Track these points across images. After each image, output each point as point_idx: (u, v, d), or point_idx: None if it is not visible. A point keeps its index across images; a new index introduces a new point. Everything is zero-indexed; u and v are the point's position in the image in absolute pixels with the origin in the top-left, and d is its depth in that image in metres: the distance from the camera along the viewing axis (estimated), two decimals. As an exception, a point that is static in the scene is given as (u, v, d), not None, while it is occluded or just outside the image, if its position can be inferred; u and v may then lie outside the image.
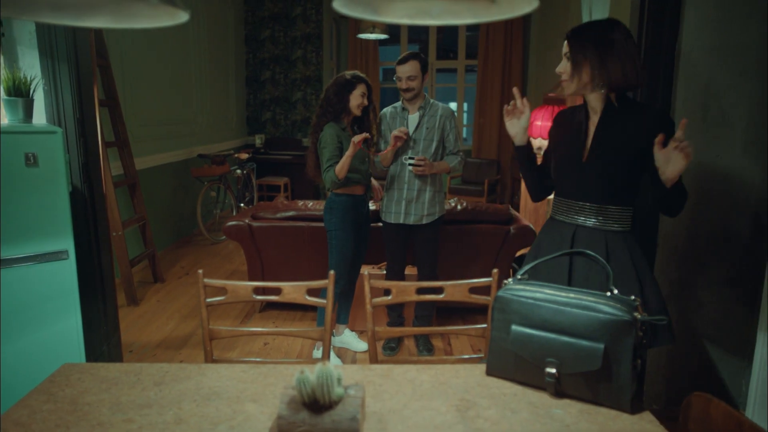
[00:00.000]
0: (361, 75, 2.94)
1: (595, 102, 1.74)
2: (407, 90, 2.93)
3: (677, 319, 2.47)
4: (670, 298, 2.47)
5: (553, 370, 1.28)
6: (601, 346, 1.24)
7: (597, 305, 1.27)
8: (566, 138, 1.82)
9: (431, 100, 3.01)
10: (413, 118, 2.98)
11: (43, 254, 2.16)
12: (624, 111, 1.70)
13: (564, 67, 1.71)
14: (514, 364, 1.37)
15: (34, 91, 2.28)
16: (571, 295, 1.32)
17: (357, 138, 2.76)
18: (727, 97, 2.29)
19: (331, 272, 1.77)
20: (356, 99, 2.90)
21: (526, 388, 1.36)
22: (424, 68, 2.92)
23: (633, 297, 1.31)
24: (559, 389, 1.31)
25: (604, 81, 1.65)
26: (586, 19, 4.18)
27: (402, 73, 2.92)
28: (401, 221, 3.01)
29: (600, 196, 1.71)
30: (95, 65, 3.51)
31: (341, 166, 2.81)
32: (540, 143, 4.66)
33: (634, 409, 1.26)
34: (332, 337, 3.28)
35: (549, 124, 4.51)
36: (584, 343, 1.25)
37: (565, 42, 1.71)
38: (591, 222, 1.73)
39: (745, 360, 2.41)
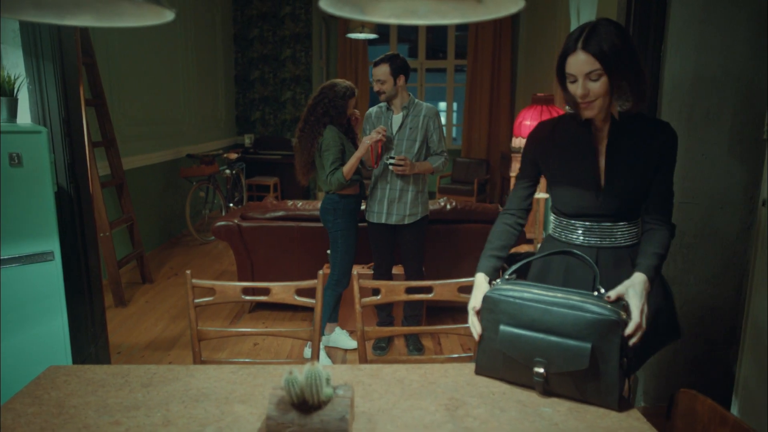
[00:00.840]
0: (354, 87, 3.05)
1: (601, 117, 1.52)
2: (377, 93, 2.97)
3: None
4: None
5: (541, 370, 1.29)
6: (589, 345, 1.25)
7: (584, 305, 1.28)
8: (570, 160, 1.59)
9: (416, 100, 3.02)
10: (397, 118, 3.00)
11: (28, 255, 2.13)
12: (628, 125, 1.53)
13: (585, 88, 1.42)
14: (502, 363, 1.38)
15: (18, 90, 2.25)
16: (559, 294, 1.33)
17: (369, 139, 2.85)
18: (712, 96, 2.31)
19: (320, 272, 1.77)
20: (350, 108, 3.00)
21: (515, 387, 1.37)
22: (396, 71, 2.91)
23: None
24: (547, 388, 1.32)
25: (640, 92, 1.46)
26: (573, 18, 4.20)
27: (373, 75, 2.98)
28: (383, 221, 3.02)
29: (617, 216, 1.56)
30: (81, 64, 3.47)
31: (349, 168, 2.87)
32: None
33: (621, 406, 1.27)
34: (323, 336, 3.28)
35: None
36: (572, 342, 1.26)
37: (584, 59, 1.39)
38: (607, 242, 1.58)
39: (731, 357, 2.44)
